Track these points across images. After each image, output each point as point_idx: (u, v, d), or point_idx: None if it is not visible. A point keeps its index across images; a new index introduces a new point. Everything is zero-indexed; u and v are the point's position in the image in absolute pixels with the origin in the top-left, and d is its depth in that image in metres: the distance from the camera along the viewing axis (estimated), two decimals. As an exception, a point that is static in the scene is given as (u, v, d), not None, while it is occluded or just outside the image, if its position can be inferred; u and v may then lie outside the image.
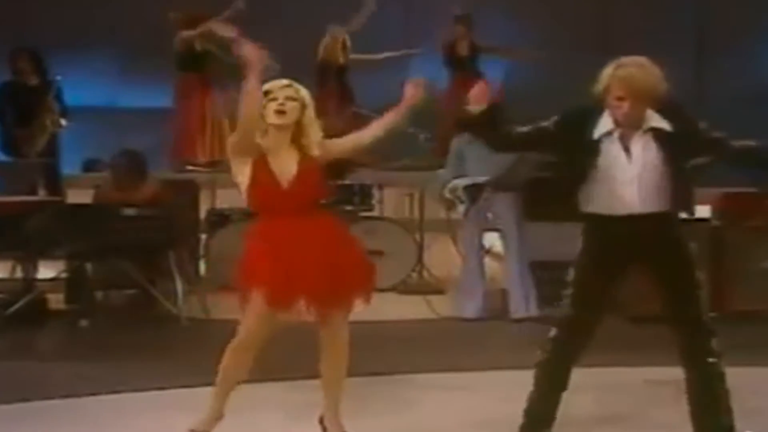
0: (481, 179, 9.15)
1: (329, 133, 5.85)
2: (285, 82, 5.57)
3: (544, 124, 5.46)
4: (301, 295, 5.46)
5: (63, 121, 11.19)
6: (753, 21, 14.29)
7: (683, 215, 5.41)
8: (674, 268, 5.35)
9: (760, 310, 8.96)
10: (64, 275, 9.41)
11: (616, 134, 5.27)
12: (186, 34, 11.91)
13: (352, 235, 5.82)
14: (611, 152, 5.26)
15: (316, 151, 5.56)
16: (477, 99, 5.80)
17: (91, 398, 6.70)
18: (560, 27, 13.88)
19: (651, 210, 5.26)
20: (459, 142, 9.44)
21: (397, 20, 13.78)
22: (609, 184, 5.27)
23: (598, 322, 5.43)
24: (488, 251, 9.81)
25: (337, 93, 12.53)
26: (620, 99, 5.20)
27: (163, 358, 7.73)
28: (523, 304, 9.16)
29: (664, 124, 5.26)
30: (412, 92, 5.66)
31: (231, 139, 5.57)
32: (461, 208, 9.26)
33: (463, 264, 9.50)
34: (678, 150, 5.26)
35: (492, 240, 9.76)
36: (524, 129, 5.58)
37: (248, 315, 5.45)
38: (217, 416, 5.63)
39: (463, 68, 12.89)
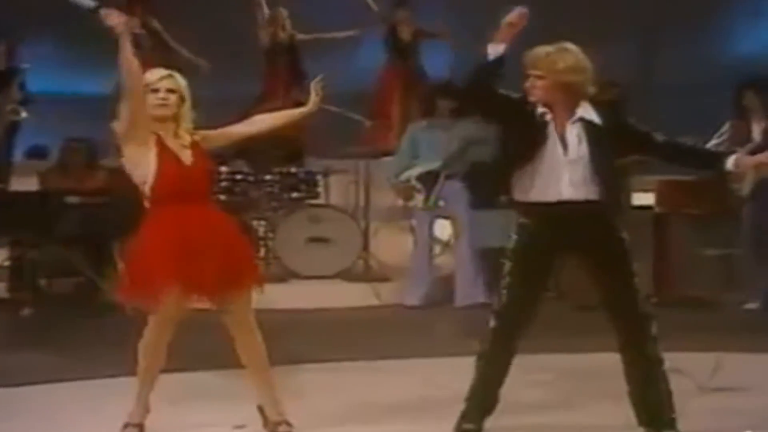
0: (432, 165, 9.17)
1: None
2: (164, 72, 5.49)
3: (515, 95, 5.43)
4: (200, 287, 5.41)
5: (23, 112, 10.89)
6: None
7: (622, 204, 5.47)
8: (607, 256, 5.40)
9: (701, 296, 9.05)
10: (7, 263, 9.34)
11: (548, 119, 5.32)
12: None
13: (236, 224, 5.75)
14: (548, 139, 5.32)
15: (195, 138, 5.50)
16: (507, 34, 5.28)
17: (34, 387, 6.66)
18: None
19: (582, 197, 5.31)
20: (414, 129, 9.50)
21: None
22: (543, 171, 5.32)
23: (535, 310, 5.47)
24: (447, 243, 9.84)
25: (286, 75, 12.41)
26: (538, 78, 5.27)
27: (107, 347, 7.68)
28: (470, 292, 9.17)
29: (594, 117, 5.33)
30: (314, 93, 5.73)
31: (122, 120, 5.42)
32: (419, 197, 9.29)
33: (413, 251, 9.51)
34: (606, 143, 5.33)
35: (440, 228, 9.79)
36: (505, 92, 5.40)
37: (159, 316, 5.41)
38: (145, 410, 5.62)
39: (404, 56, 12.75)
